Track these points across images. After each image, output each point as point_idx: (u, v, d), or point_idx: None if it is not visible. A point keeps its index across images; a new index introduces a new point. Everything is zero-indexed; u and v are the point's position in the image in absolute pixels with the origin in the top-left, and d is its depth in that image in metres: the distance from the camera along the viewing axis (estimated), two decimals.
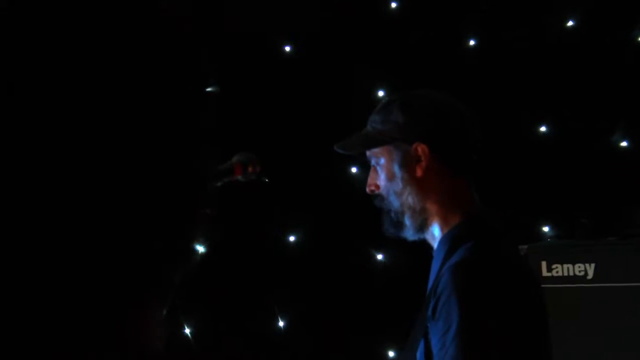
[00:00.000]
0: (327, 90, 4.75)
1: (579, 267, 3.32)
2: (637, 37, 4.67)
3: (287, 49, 4.98)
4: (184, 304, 3.39)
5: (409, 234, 2.53)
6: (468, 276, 2.27)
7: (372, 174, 2.57)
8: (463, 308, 2.20)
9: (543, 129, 4.71)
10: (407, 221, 2.51)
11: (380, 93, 4.90)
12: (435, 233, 2.50)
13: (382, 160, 2.54)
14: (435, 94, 2.61)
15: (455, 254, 2.35)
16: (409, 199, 2.50)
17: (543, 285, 3.30)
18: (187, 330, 4.64)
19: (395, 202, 2.51)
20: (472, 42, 4.84)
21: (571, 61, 4.63)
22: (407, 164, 2.50)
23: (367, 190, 2.58)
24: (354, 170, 4.80)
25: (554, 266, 3.34)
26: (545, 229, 4.52)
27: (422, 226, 2.50)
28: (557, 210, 4.54)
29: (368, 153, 2.58)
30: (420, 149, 2.48)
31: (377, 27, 4.89)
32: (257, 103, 4.74)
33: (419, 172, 2.48)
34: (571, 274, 3.33)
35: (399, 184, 2.51)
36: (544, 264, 3.35)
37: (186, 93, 4.73)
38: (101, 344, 4.56)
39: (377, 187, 2.55)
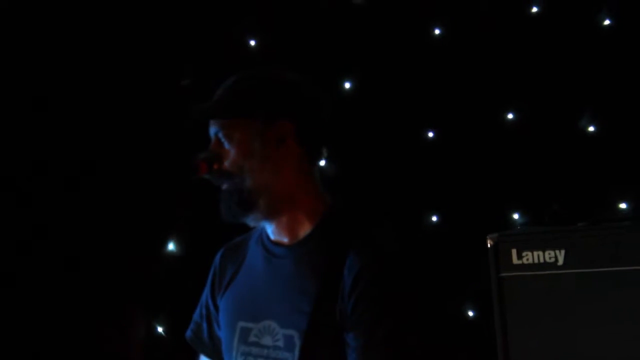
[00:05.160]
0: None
1: (549, 253, 3.30)
2: (602, 22, 4.67)
3: (252, 42, 4.95)
4: (164, 305, 3.36)
5: (256, 217, 2.40)
6: (395, 270, 2.28)
7: (213, 148, 2.40)
8: (398, 303, 2.24)
9: (510, 115, 4.70)
10: (262, 202, 2.37)
11: (347, 85, 4.87)
12: (293, 217, 2.40)
13: (237, 135, 2.38)
14: (294, 75, 2.50)
15: (358, 246, 2.31)
16: (267, 178, 2.37)
17: (514, 273, 3.32)
18: (161, 330, 4.62)
19: (248, 180, 2.35)
20: (437, 31, 4.83)
21: (536, 47, 4.62)
22: (269, 141, 2.38)
23: (212, 144, 2.40)
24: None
25: (524, 253, 3.32)
26: (515, 216, 4.52)
27: (279, 209, 2.40)
28: (527, 197, 4.55)
29: (216, 125, 2.41)
30: (286, 127, 2.38)
31: (343, 17, 4.87)
32: None
33: (280, 151, 2.38)
34: (541, 260, 3.31)
35: (256, 162, 2.36)
36: (514, 251, 3.33)
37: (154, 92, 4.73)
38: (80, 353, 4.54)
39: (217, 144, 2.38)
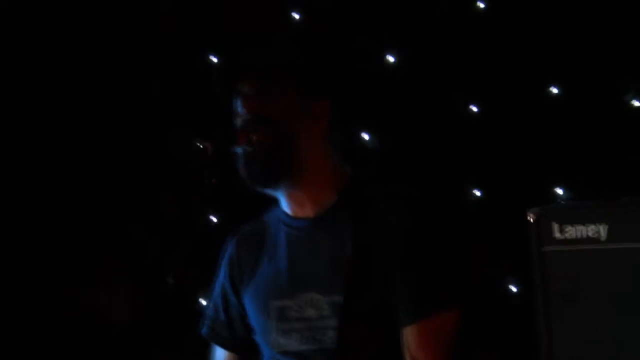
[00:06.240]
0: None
1: (592, 228, 3.27)
2: None
3: (297, 16, 4.94)
4: (195, 274, 3.39)
5: (286, 184, 2.43)
6: (434, 215, 2.39)
7: (251, 100, 2.43)
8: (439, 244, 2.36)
9: (555, 90, 4.66)
10: (296, 168, 2.41)
11: (391, 59, 4.85)
12: (318, 188, 2.45)
13: (284, 97, 2.43)
14: (345, 54, 2.58)
15: (390, 200, 2.39)
16: (304, 146, 2.42)
17: (556, 248, 3.30)
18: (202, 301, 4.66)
19: (286, 143, 2.40)
20: (481, 4, 4.79)
21: (581, 20, 4.57)
22: (311, 113, 2.43)
23: (245, 105, 2.43)
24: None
25: (566, 228, 3.29)
26: (559, 190, 4.49)
27: (308, 179, 2.43)
28: (571, 172, 4.51)
29: (258, 85, 2.44)
30: (327, 107, 2.45)
31: None
32: None
33: (317, 126, 2.44)
34: (584, 235, 3.28)
35: (297, 128, 2.42)
36: (555, 225, 3.30)
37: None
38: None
39: (262, 108, 2.41)
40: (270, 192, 2.49)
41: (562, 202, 4.05)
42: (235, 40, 4.76)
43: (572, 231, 3.29)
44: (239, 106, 2.45)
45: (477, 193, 4.71)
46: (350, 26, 4.77)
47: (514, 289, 4.53)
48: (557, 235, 3.31)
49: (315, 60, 2.54)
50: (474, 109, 4.78)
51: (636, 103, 4.58)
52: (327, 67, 2.54)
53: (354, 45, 4.70)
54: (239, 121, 2.43)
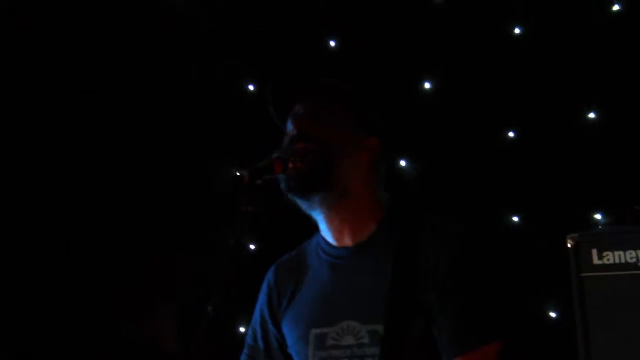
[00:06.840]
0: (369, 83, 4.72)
1: (630, 253, 3.27)
2: None
3: (332, 43, 4.97)
4: (233, 303, 3.38)
5: (326, 197, 2.44)
6: (476, 245, 2.38)
7: (301, 119, 2.47)
8: (481, 271, 2.34)
9: (592, 115, 4.64)
10: (336, 181, 2.43)
11: (427, 85, 4.86)
12: (357, 215, 2.47)
13: (327, 119, 2.47)
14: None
15: (430, 230, 2.40)
16: (345, 165, 2.44)
17: (595, 274, 3.28)
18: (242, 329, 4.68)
19: (329, 157, 2.42)
20: (517, 30, 4.79)
21: (618, 46, 4.56)
22: (355, 142, 2.49)
23: (295, 124, 2.46)
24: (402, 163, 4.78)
25: (604, 253, 3.29)
26: (598, 216, 4.47)
27: (347, 199, 2.45)
28: (609, 198, 4.49)
29: (311, 100, 2.49)
30: (373, 142, 2.51)
31: (423, 17, 4.87)
32: None
33: (362, 156, 2.48)
34: (622, 261, 3.28)
35: (342, 148, 2.45)
36: (594, 251, 3.30)
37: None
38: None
39: (311, 128, 2.44)
40: (308, 207, 2.50)
41: (601, 228, 4.02)
42: (275, 68, 4.79)
43: (611, 257, 3.28)
44: (289, 125, 2.48)
45: (516, 219, 4.69)
46: (389, 56, 4.80)
47: (553, 315, 4.51)
48: (596, 260, 3.30)
49: (371, 98, 2.57)
50: (512, 135, 4.77)
51: None
52: (380, 107, 2.57)
53: (396, 77, 4.73)
54: (286, 140, 2.46)
